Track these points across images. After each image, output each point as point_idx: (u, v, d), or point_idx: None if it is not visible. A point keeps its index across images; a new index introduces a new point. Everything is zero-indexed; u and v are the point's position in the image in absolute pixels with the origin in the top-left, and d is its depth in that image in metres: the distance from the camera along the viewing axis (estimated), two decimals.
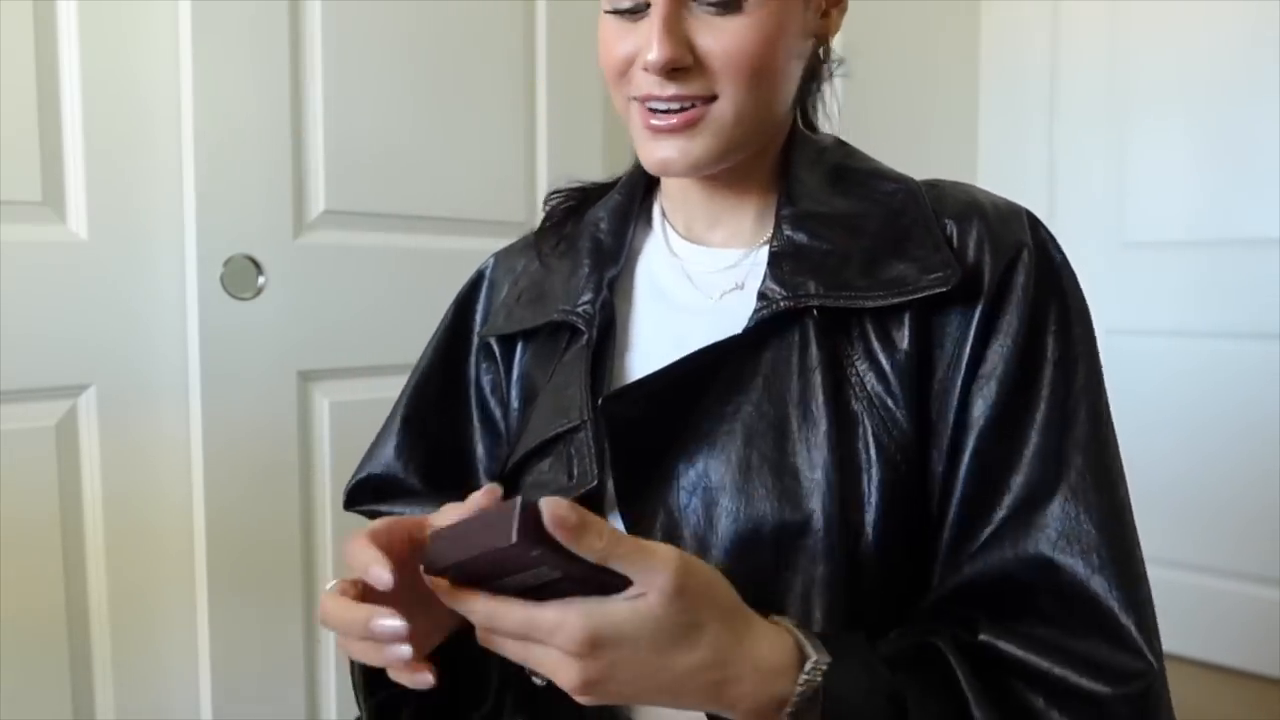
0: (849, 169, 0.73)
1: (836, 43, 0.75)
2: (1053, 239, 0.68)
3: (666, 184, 0.78)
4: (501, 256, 0.86)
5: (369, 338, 1.50)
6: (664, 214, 0.79)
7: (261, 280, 1.38)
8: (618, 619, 0.50)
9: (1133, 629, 0.59)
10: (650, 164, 0.68)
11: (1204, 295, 2.25)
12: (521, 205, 1.68)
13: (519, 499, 0.47)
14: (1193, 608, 2.19)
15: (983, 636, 0.60)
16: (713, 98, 0.65)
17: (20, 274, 1.23)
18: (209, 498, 1.35)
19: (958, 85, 2.55)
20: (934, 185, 0.72)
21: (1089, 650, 0.59)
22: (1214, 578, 2.20)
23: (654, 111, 0.66)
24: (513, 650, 0.51)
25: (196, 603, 1.38)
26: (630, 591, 0.50)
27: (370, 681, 0.65)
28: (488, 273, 0.86)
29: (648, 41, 0.63)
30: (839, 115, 0.79)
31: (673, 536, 0.65)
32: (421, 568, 0.52)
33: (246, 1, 1.36)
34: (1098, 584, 0.59)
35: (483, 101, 1.63)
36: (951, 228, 0.67)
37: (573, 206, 0.84)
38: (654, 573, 0.50)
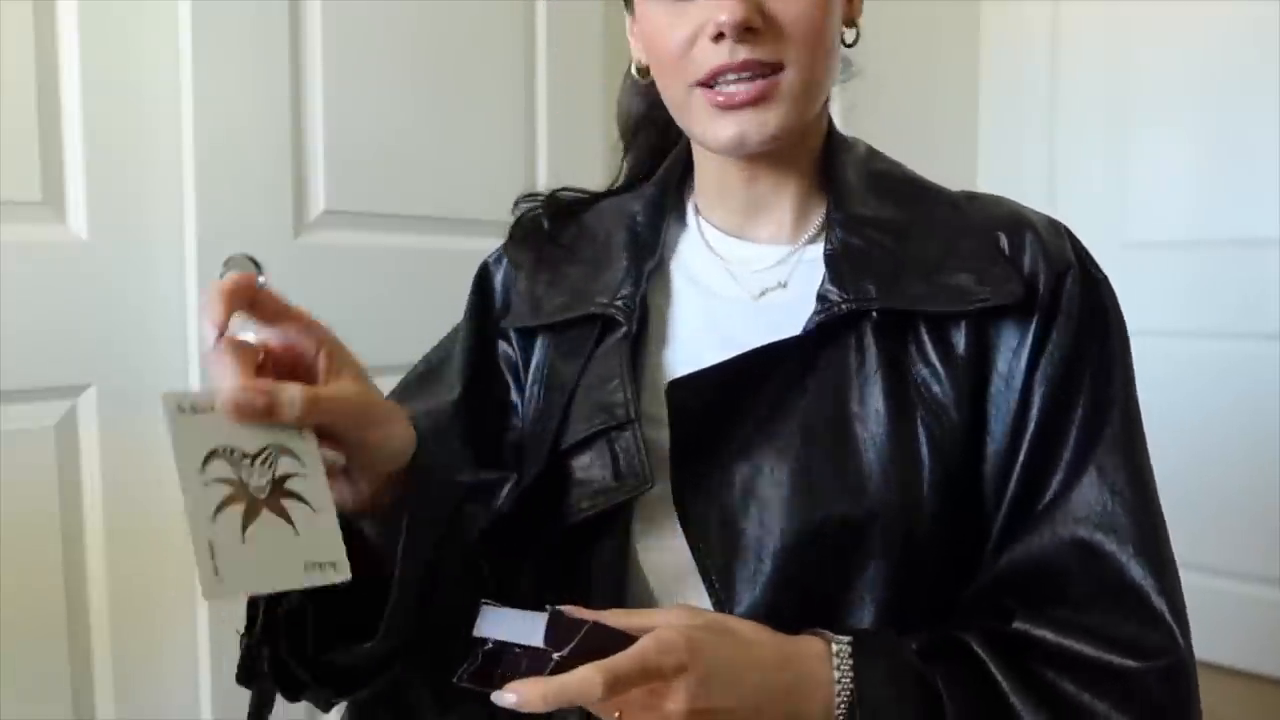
0: (888, 175, 0.74)
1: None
2: (1089, 254, 0.70)
3: (702, 179, 0.77)
4: (508, 248, 0.84)
5: (369, 338, 1.49)
6: (697, 210, 0.78)
7: (261, 280, 1.38)
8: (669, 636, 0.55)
9: (1166, 613, 0.62)
10: (721, 142, 0.67)
11: (1204, 295, 2.25)
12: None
13: (550, 607, 0.55)
14: (1193, 608, 2.18)
15: (1017, 625, 0.62)
16: (781, 66, 0.64)
17: (20, 274, 1.23)
18: None
19: (958, 85, 2.55)
20: (972, 196, 0.73)
21: (1121, 631, 0.61)
22: (1214, 578, 2.19)
23: (721, 89, 0.65)
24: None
25: (196, 602, 1.38)
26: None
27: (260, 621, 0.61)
28: (492, 268, 0.84)
29: (719, 6, 0.62)
30: (840, 116, 0.79)
31: (728, 532, 0.65)
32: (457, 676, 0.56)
33: (246, 1, 1.35)
34: (1134, 570, 0.62)
35: (483, 101, 1.63)
36: (1004, 240, 0.68)
37: (572, 206, 0.83)
38: (665, 614, 0.58)
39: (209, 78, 1.32)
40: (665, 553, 0.68)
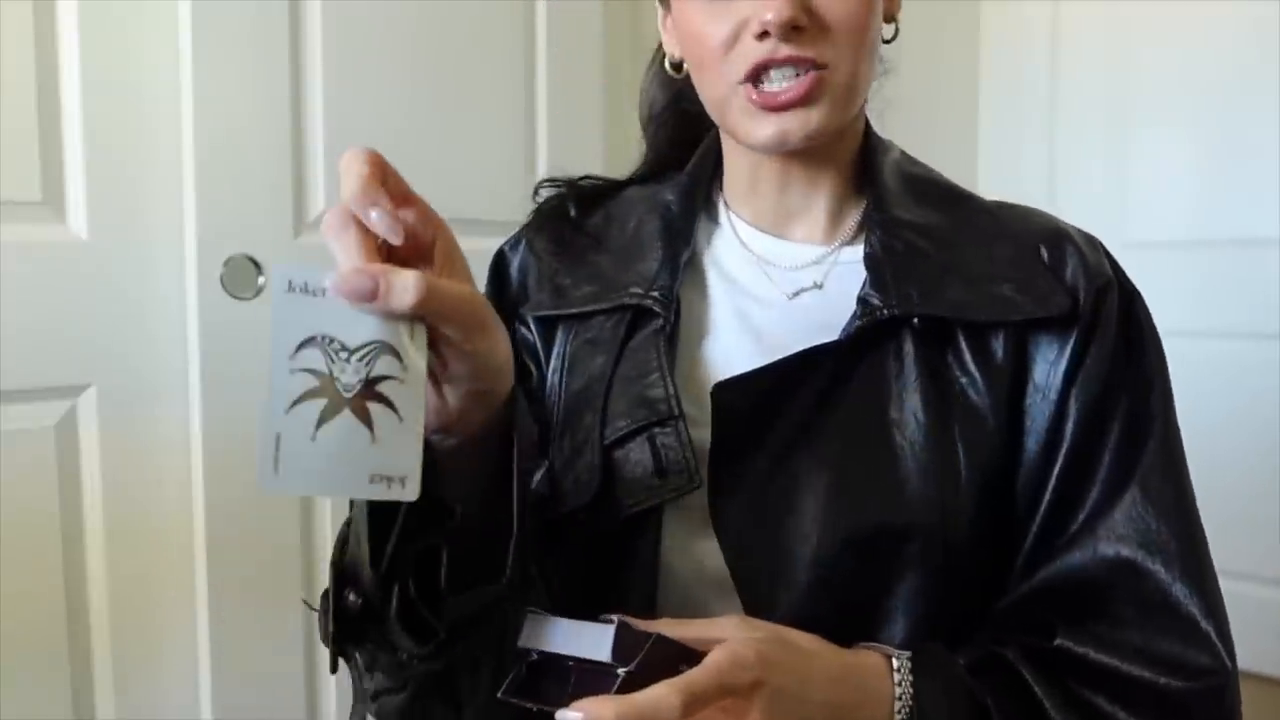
0: (924, 180, 0.74)
1: None
2: (1122, 268, 0.70)
3: (733, 174, 0.76)
4: (529, 233, 0.81)
5: None
6: (727, 206, 0.77)
7: (261, 280, 1.37)
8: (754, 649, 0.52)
9: (1213, 634, 0.61)
10: (761, 141, 0.66)
11: (1204, 295, 2.25)
12: (522, 205, 1.67)
13: (616, 619, 0.50)
14: None
15: (1059, 641, 0.61)
16: (824, 64, 0.64)
17: (20, 274, 1.23)
18: (209, 498, 1.35)
19: (958, 85, 2.55)
20: (1009, 207, 0.73)
21: (1167, 651, 0.60)
22: None
23: (766, 89, 0.64)
24: None
25: (196, 602, 1.38)
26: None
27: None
28: (519, 250, 0.81)
29: (765, 5, 0.61)
30: (885, 112, 0.77)
31: (763, 538, 0.64)
32: (501, 692, 0.52)
33: (246, 1, 1.35)
34: (1179, 590, 0.61)
35: (483, 101, 1.63)
36: (1044, 252, 0.68)
37: (595, 192, 0.81)
38: (721, 625, 0.55)
39: (209, 78, 1.32)
40: (695, 556, 0.67)
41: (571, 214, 0.80)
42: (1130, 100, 2.35)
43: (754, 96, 0.64)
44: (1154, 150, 2.32)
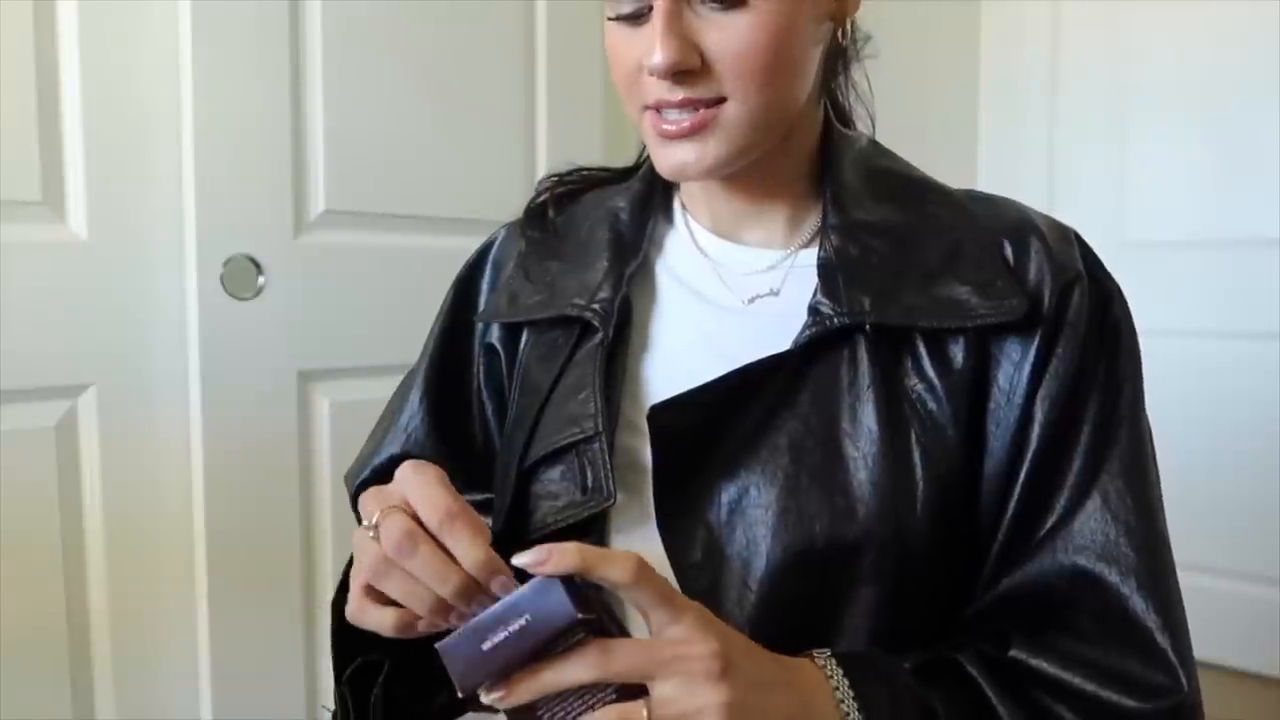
0: (891, 174, 0.71)
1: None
2: (1100, 262, 0.67)
3: (687, 183, 0.74)
4: (511, 230, 0.82)
5: (369, 338, 1.50)
6: (684, 209, 0.75)
7: (261, 280, 1.38)
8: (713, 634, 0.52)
9: (1169, 650, 0.59)
10: (665, 169, 0.65)
11: (1204, 295, 2.25)
12: (521, 205, 1.68)
13: (558, 580, 0.50)
14: (1193, 608, 2.17)
15: (1013, 653, 0.60)
16: (723, 99, 0.62)
17: (20, 274, 1.23)
18: (209, 498, 1.35)
19: (958, 85, 2.55)
20: (979, 199, 0.70)
21: (1122, 667, 0.59)
22: (1214, 578, 2.19)
23: (665, 118, 0.63)
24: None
25: (196, 603, 1.38)
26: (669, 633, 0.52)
27: (347, 647, 0.65)
28: (494, 248, 0.81)
29: (650, 46, 0.60)
30: (871, 96, 0.75)
31: (714, 555, 0.62)
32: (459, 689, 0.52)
33: (246, 1, 1.36)
34: (1136, 604, 0.60)
35: (483, 101, 1.63)
36: (1008, 248, 0.65)
37: (575, 190, 0.80)
38: (680, 606, 0.53)
39: (209, 78, 1.32)
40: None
41: (550, 214, 0.79)
42: (1130, 100, 2.35)
43: (657, 125, 0.64)
44: (1154, 150, 2.32)
